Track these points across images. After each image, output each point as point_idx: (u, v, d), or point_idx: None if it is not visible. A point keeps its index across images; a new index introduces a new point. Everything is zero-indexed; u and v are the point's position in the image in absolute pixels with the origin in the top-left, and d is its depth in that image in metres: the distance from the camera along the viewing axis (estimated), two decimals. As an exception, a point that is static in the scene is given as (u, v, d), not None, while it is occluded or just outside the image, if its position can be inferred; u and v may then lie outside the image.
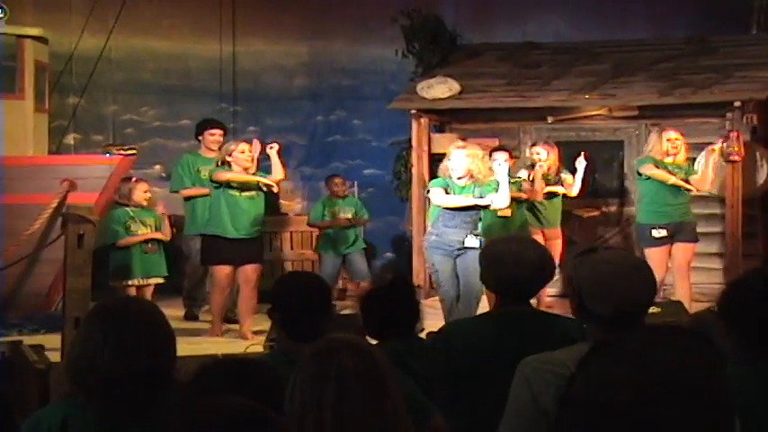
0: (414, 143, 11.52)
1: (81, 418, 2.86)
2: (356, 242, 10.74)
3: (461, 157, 8.47)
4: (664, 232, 9.41)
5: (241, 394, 2.55)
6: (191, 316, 10.18)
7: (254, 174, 9.07)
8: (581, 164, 10.33)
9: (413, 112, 11.46)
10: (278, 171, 9.14)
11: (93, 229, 7.78)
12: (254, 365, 2.77)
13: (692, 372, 1.92)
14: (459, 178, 8.49)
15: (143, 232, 9.25)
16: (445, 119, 11.97)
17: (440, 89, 11.39)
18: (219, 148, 9.63)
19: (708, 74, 10.95)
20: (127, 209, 9.25)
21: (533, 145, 10.52)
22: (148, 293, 9.15)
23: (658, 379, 1.92)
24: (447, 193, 8.51)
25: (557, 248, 9.95)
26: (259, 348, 7.64)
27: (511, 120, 11.64)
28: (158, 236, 9.33)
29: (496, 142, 11.39)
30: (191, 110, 13.05)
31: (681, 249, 9.49)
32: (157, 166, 11.57)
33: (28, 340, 7.69)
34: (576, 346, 2.90)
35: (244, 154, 8.98)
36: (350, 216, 10.71)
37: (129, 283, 9.16)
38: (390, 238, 13.00)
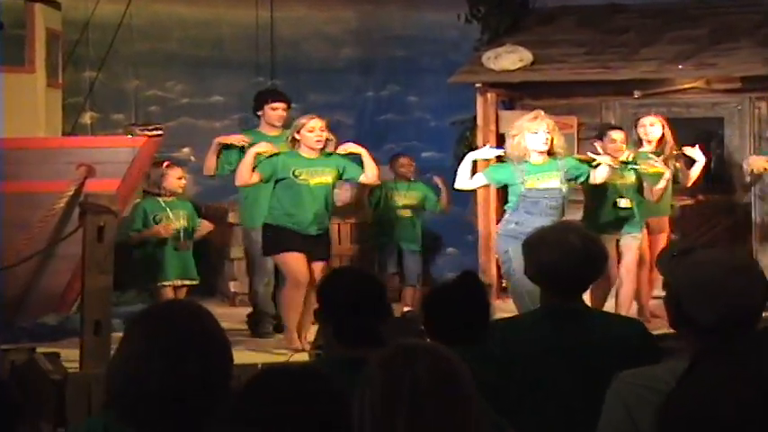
0: (479, 122, 11.53)
1: None
2: (415, 238, 10.50)
3: (544, 133, 8.51)
4: None
5: (296, 408, 2.60)
6: (259, 333, 9.68)
7: (321, 157, 8.77)
8: (699, 157, 9.90)
9: (478, 86, 11.48)
10: (369, 166, 8.95)
11: (115, 220, 7.89)
12: (306, 375, 2.81)
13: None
14: (539, 153, 8.53)
15: (175, 227, 9.11)
16: (515, 94, 11.97)
17: (509, 59, 11.39)
18: (284, 126, 9.48)
19: (823, 39, 10.89)
20: (158, 199, 9.16)
21: (639, 118, 10.13)
22: (183, 297, 8.99)
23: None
24: (498, 181, 8.80)
25: (659, 243, 9.62)
26: (304, 357, 7.72)
27: (591, 94, 11.63)
28: (162, 232, 9.10)
29: (574, 121, 11.37)
30: (223, 84, 13.13)
31: None
32: (186, 150, 11.66)
33: (41, 348, 7.82)
34: (679, 360, 2.90)
35: (312, 133, 8.70)
36: (414, 204, 10.44)
37: (166, 284, 9.03)
38: (452, 231, 12.98)
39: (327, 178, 8.81)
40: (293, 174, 8.70)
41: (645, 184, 9.49)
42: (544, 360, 3.84)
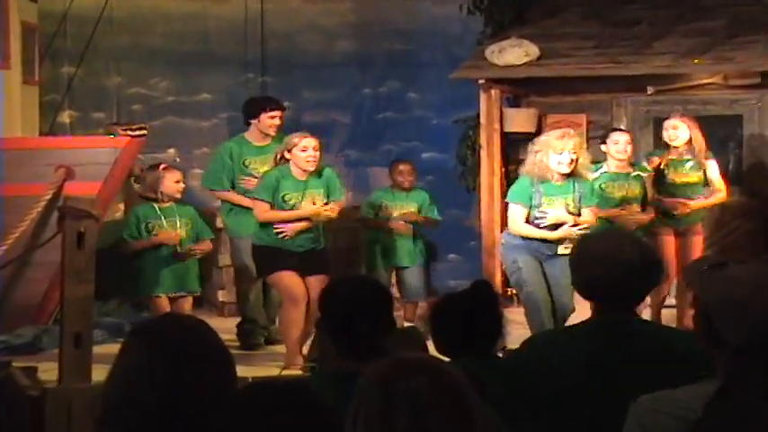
0: (483, 120, 11.51)
1: None
2: (414, 253, 10.30)
3: (569, 153, 8.36)
4: None
5: (280, 419, 2.59)
6: (249, 344, 9.71)
7: (311, 178, 8.72)
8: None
9: (481, 82, 11.46)
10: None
11: (96, 225, 7.83)
12: (292, 388, 2.79)
13: None
14: (560, 174, 8.40)
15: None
16: (521, 90, 11.96)
17: (514, 54, 11.38)
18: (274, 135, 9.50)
19: None
20: (153, 205, 8.97)
21: (665, 119, 9.97)
22: (184, 310, 8.82)
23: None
24: (530, 201, 8.44)
25: (693, 247, 9.60)
26: (297, 372, 7.68)
27: (601, 91, 11.64)
28: (170, 239, 8.98)
29: (583, 119, 11.33)
30: (210, 81, 13.10)
31: None
32: (171, 151, 11.63)
33: (18, 362, 7.76)
34: (701, 383, 2.87)
35: (305, 153, 8.60)
36: (410, 216, 10.22)
37: (159, 294, 8.87)
38: (452, 236, 12.92)
39: (318, 201, 8.73)
40: (282, 199, 8.66)
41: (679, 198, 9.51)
42: (583, 377, 3.78)
